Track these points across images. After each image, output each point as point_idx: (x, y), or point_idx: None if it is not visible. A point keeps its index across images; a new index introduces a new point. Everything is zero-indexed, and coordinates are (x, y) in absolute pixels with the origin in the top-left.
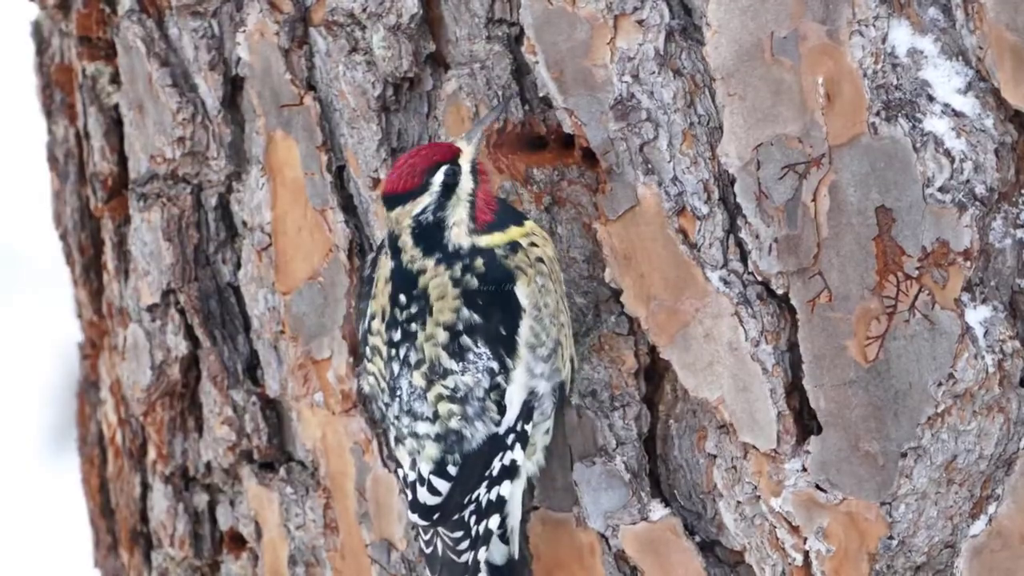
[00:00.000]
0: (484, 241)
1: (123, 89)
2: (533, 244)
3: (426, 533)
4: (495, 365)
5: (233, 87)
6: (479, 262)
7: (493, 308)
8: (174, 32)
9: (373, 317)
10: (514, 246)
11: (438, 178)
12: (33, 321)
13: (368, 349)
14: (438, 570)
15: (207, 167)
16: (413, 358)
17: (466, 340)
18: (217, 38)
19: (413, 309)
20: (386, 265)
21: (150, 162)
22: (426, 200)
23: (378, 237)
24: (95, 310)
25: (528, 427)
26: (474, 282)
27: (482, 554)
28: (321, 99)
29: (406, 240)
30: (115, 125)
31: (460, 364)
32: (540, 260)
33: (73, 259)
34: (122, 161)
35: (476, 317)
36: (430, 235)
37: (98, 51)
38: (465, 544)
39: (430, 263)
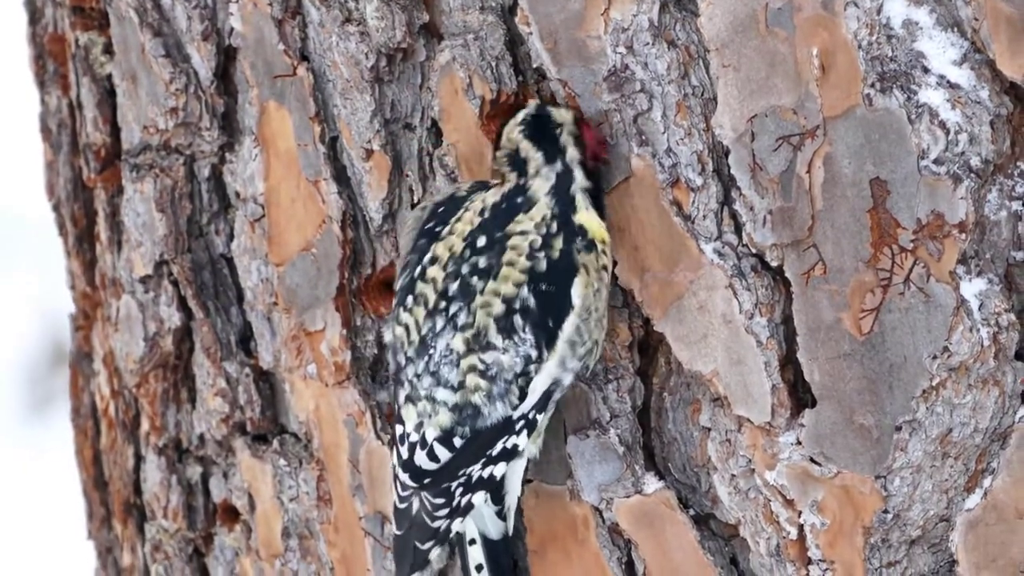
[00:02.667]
0: (581, 217)
1: (116, 59)
2: (605, 252)
3: (405, 490)
4: (534, 353)
5: (226, 57)
6: (560, 241)
7: (549, 296)
8: (167, 2)
9: (433, 261)
10: (591, 245)
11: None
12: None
13: (410, 297)
14: (406, 527)
15: (200, 138)
16: (461, 319)
17: (518, 320)
18: (210, 8)
19: (483, 262)
20: (482, 200)
21: (143, 133)
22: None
23: (371, 208)
24: (88, 281)
25: (540, 416)
26: (543, 264)
27: (456, 525)
28: (314, 70)
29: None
30: (108, 95)
31: (505, 342)
32: (604, 268)
33: (66, 230)
34: (115, 132)
35: (532, 301)
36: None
37: (91, 21)
38: (443, 512)
39: (543, 192)
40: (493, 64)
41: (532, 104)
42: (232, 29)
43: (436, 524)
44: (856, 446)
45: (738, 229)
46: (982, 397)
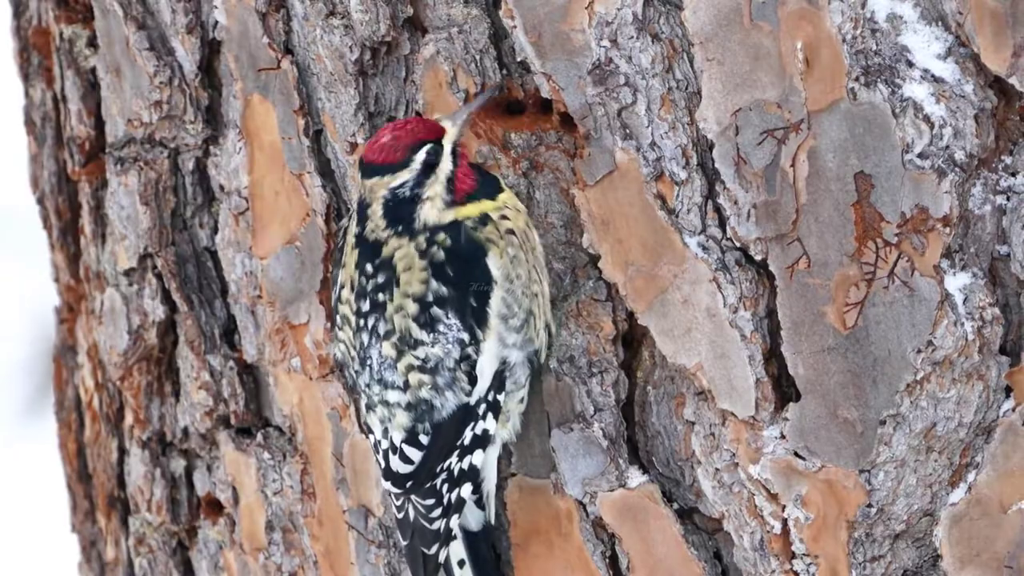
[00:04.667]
0: (453, 215)
1: (100, 52)
2: (504, 217)
3: (398, 499)
4: (465, 336)
5: (210, 51)
6: (442, 236)
7: (463, 280)
8: None
9: (343, 286)
10: (484, 219)
11: (420, 156)
12: (10, 284)
13: (339, 317)
14: (410, 535)
15: (184, 131)
16: (382, 328)
17: (436, 311)
18: (194, 2)
19: (380, 279)
20: (352, 231)
21: (127, 126)
22: (404, 176)
23: (355, 202)
24: (72, 274)
25: (501, 397)
26: (441, 255)
27: (454, 521)
28: (298, 63)
29: (376, 210)
30: (92, 88)
31: (430, 335)
32: (511, 232)
33: (50, 223)
34: (99, 125)
35: (445, 289)
36: (401, 209)
37: (75, 14)
38: (437, 512)
39: (393, 235)
40: (477, 58)
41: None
42: (216, 22)
43: (435, 526)
44: (840, 440)
45: (722, 223)
46: (966, 391)
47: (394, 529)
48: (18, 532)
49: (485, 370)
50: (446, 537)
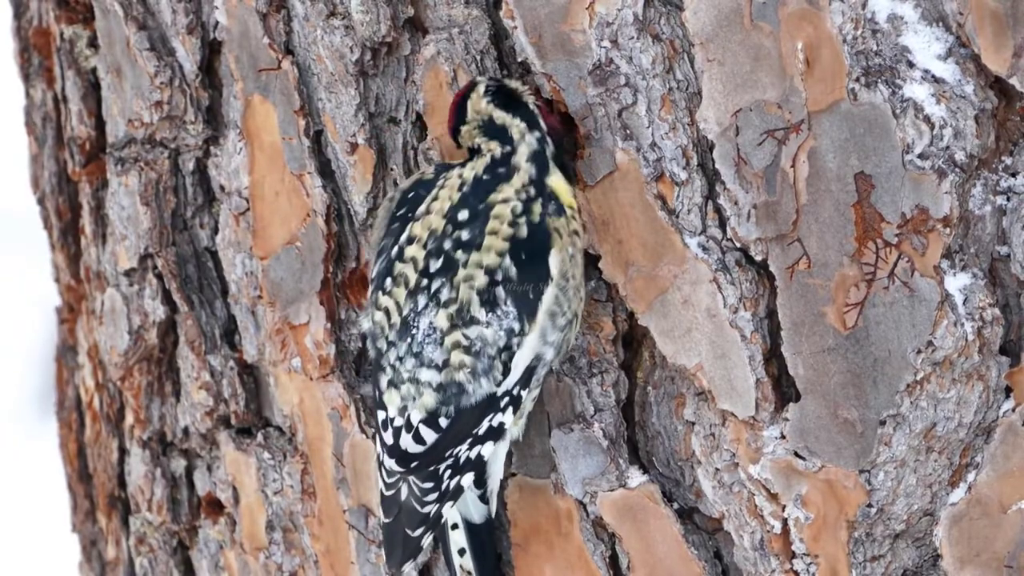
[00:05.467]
0: (552, 181)
1: (101, 53)
2: (574, 217)
3: (391, 476)
4: (516, 326)
5: (211, 51)
6: (538, 205)
7: (528, 269)
8: None
9: (411, 241)
10: (560, 209)
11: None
12: (17, 283)
13: (389, 279)
14: (395, 514)
15: (185, 131)
16: (444, 294)
17: (500, 292)
18: (195, 2)
19: (465, 235)
20: (459, 176)
21: (128, 126)
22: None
23: (355, 202)
24: (73, 274)
25: (524, 392)
26: (524, 230)
27: (447, 509)
28: (299, 63)
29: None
30: (93, 89)
31: (488, 316)
32: (576, 234)
33: (51, 223)
34: (100, 125)
35: (514, 271)
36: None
37: (76, 14)
38: (433, 496)
39: (525, 158)
40: (478, 58)
41: (481, 79)
42: (217, 23)
43: (426, 509)
44: (840, 440)
45: (722, 223)
46: (966, 392)
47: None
48: (19, 531)
49: (520, 363)
50: (435, 523)
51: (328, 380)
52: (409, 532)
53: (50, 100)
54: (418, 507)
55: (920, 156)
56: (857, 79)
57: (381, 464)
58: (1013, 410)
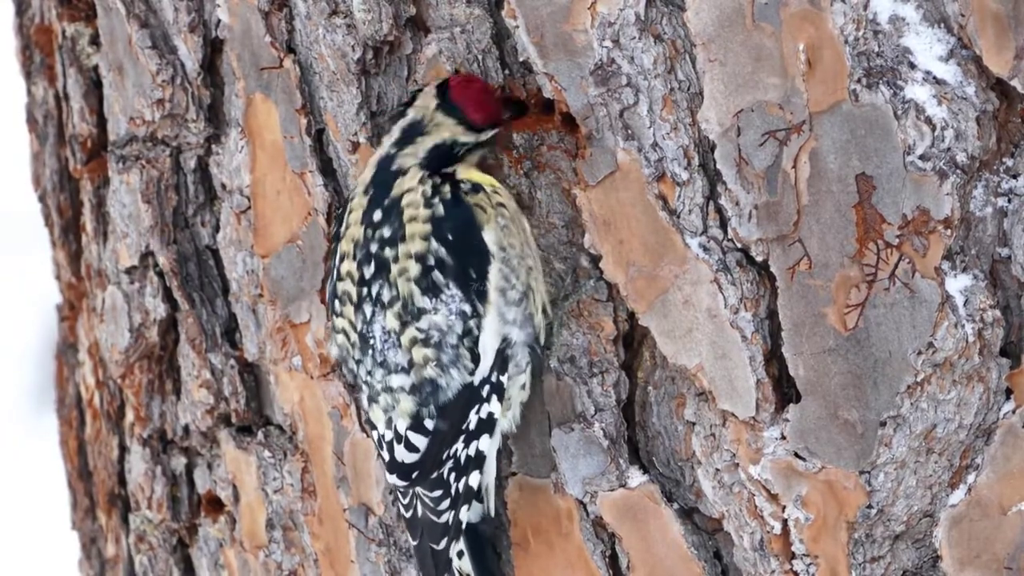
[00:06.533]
0: (462, 173)
1: (103, 51)
2: (496, 192)
3: (405, 496)
4: (467, 308)
5: (213, 49)
6: (447, 187)
7: (461, 248)
8: None
9: (343, 258)
10: (477, 187)
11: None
12: (15, 281)
13: (337, 302)
14: (419, 533)
15: (186, 129)
16: (386, 295)
17: (438, 276)
18: (197, 0)
19: (387, 232)
20: (362, 195)
21: (129, 124)
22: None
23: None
24: (74, 272)
25: (504, 378)
26: (441, 209)
27: (463, 514)
28: (301, 62)
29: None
30: (95, 87)
31: (433, 302)
32: (501, 206)
33: (52, 220)
34: (101, 123)
35: (444, 252)
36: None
37: (78, 12)
38: (445, 503)
39: (414, 165)
40: (480, 58)
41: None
42: (219, 21)
43: (443, 519)
44: (840, 441)
45: (723, 224)
46: (966, 393)
47: (394, 527)
48: (18, 529)
49: (487, 347)
50: (455, 531)
51: (329, 379)
52: (434, 547)
53: (52, 98)
54: (435, 518)
55: (921, 157)
56: (859, 80)
57: (395, 488)
58: (1013, 412)
